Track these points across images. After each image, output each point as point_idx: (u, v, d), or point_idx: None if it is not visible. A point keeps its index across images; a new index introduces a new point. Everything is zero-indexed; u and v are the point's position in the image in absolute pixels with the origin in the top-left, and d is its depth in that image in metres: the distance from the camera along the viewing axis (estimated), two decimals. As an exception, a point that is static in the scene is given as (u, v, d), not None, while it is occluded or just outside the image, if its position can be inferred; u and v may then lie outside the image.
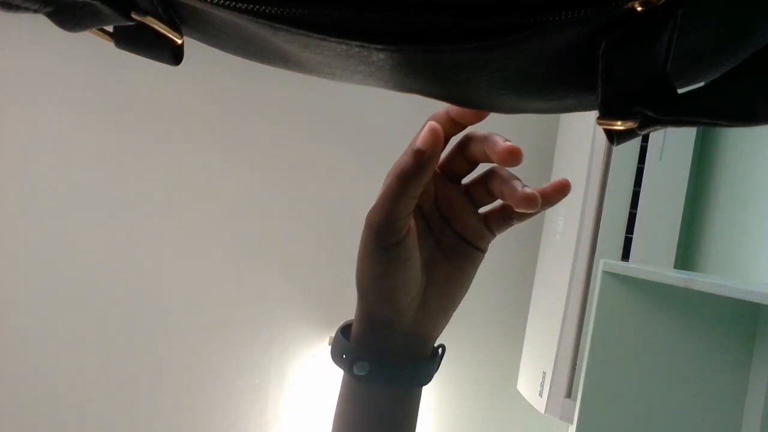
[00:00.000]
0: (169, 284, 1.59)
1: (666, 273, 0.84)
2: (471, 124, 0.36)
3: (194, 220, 1.59)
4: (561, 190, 0.36)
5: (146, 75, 1.56)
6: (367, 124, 1.59)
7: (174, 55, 0.29)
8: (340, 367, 0.40)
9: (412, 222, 0.37)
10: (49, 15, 0.27)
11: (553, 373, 1.19)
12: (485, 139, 0.35)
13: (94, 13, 0.26)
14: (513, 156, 0.33)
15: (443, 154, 0.38)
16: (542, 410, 1.21)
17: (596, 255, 1.17)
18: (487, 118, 0.36)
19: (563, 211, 1.29)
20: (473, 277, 0.40)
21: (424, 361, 0.40)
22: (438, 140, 0.34)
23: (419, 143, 0.34)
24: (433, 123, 0.35)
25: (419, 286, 0.39)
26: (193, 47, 0.35)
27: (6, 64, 1.56)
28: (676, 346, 0.92)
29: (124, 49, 0.30)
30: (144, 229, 1.59)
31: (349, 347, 0.40)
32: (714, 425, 0.92)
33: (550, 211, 1.39)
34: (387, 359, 0.39)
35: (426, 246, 0.39)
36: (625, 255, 1.17)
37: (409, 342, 0.40)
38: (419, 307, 0.39)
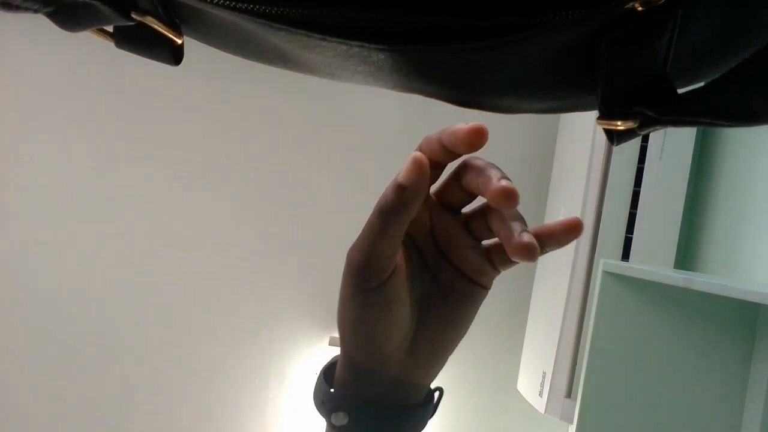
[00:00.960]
0: (169, 284, 1.59)
1: (666, 273, 0.84)
2: (464, 154, 0.31)
3: (195, 220, 1.59)
4: (572, 230, 0.32)
5: (146, 75, 1.56)
6: (369, 124, 1.59)
7: (174, 55, 0.29)
8: (320, 413, 0.36)
9: (400, 260, 0.33)
10: (49, 15, 0.27)
11: (553, 373, 1.19)
12: (480, 172, 0.31)
13: (94, 13, 0.26)
14: (507, 199, 0.28)
15: (439, 182, 0.34)
16: (542, 410, 1.21)
17: (596, 255, 1.17)
18: (487, 117, 0.35)
19: (563, 210, 1.29)
20: (472, 320, 0.35)
21: (414, 411, 0.36)
22: (423, 174, 0.30)
23: (401, 178, 0.30)
24: (418, 154, 0.30)
25: (406, 331, 0.34)
26: (193, 47, 0.35)
27: (6, 64, 1.56)
28: (676, 346, 0.92)
29: (124, 49, 0.30)
30: (144, 228, 1.59)
31: (329, 394, 0.35)
32: (714, 425, 0.92)
33: (550, 211, 1.39)
34: (369, 411, 0.35)
35: (420, 282, 0.35)
36: (625, 255, 1.17)
37: (396, 392, 0.35)
38: (407, 354, 0.35)
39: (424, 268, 0.35)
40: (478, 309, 0.35)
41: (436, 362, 0.36)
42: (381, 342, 0.33)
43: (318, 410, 0.36)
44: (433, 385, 0.39)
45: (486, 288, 0.35)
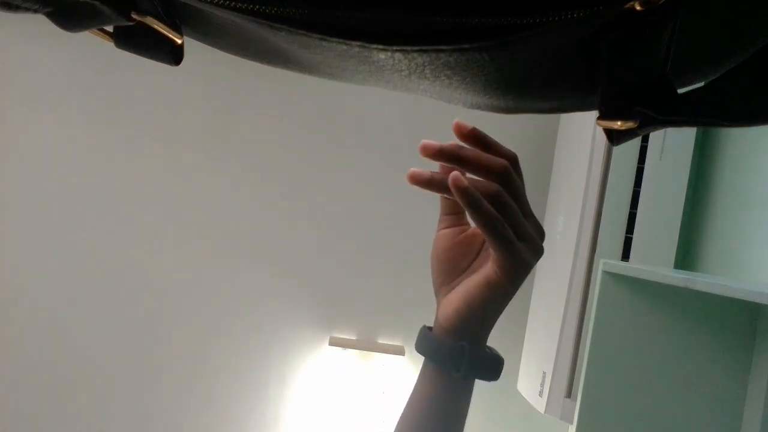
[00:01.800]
0: (169, 285, 1.59)
1: (666, 273, 0.84)
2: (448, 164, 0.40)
3: (195, 220, 1.59)
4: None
5: (146, 75, 1.56)
6: (369, 126, 1.59)
7: (174, 55, 0.29)
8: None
9: (469, 228, 0.47)
10: (49, 15, 0.27)
11: (553, 373, 1.19)
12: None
13: (94, 13, 0.26)
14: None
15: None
16: (542, 410, 1.21)
17: (596, 255, 1.17)
18: (487, 117, 0.35)
19: (563, 211, 1.29)
20: (487, 302, 0.44)
21: (446, 347, 0.45)
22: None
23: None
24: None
25: (459, 271, 0.46)
26: (193, 47, 0.35)
27: (6, 64, 1.56)
28: (676, 346, 0.92)
29: (125, 49, 0.30)
30: (144, 229, 1.59)
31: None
32: (714, 425, 0.92)
33: (550, 211, 1.39)
34: (424, 329, 0.47)
35: (486, 255, 0.45)
36: (625, 255, 1.17)
37: (437, 317, 0.46)
38: (448, 292, 0.45)
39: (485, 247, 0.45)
40: (487, 295, 0.44)
41: (458, 314, 0.44)
42: (444, 261, 0.46)
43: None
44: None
45: (498, 276, 0.43)
